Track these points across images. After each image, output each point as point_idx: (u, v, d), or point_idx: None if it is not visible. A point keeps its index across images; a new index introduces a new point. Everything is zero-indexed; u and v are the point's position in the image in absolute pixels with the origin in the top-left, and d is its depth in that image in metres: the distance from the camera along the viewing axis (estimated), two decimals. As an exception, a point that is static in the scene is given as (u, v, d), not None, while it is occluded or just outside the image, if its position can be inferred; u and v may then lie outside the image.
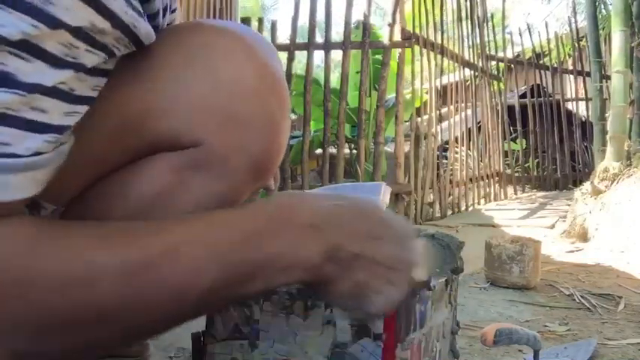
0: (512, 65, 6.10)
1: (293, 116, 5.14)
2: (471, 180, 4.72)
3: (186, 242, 0.43)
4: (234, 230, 0.45)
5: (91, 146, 0.46)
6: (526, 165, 6.09)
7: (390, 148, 4.24)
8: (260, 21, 3.88)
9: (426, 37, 4.02)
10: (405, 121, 4.07)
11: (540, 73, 6.12)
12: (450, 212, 4.26)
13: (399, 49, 3.67)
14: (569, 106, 6.34)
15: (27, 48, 0.35)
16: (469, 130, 4.99)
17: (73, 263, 0.39)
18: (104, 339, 0.42)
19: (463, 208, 4.50)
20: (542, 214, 4.13)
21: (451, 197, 4.38)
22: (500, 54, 5.82)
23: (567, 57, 6.50)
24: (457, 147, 4.74)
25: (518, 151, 5.96)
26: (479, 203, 4.80)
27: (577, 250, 2.65)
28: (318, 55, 3.59)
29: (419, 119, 4.07)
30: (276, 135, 0.51)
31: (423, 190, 3.89)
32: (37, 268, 0.38)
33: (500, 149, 5.40)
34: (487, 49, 5.47)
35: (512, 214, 4.05)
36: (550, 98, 6.03)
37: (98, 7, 0.38)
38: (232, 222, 0.46)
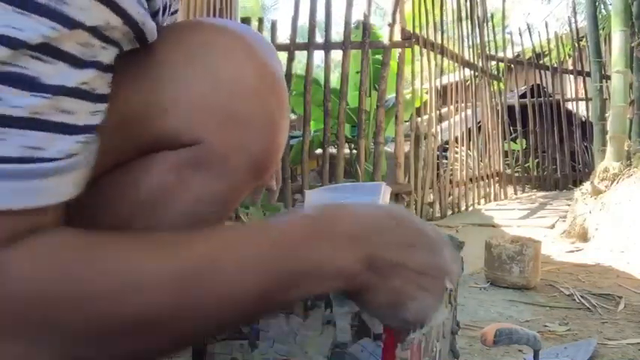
0: (512, 65, 6.10)
1: (293, 116, 5.15)
2: (471, 180, 4.72)
3: (232, 251, 0.44)
4: (278, 240, 0.46)
5: None
6: (526, 165, 6.09)
7: (390, 148, 4.24)
8: (260, 21, 3.89)
9: (426, 37, 4.02)
10: (405, 121, 4.07)
11: (540, 73, 6.12)
12: (450, 212, 4.26)
13: (399, 49, 3.67)
14: (569, 106, 6.34)
15: (47, 51, 0.35)
16: (469, 130, 4.99)
17: (124, 273, 0.39)
18: (153, 347, 0.42)
19: (463, 208, 4.50)
20: (542, 214, 4.13)
21: (451, 197, 4.38)
22: (500, 54, 5.82)
23: (567, 57, 6.50)
24: (457, 147, 4.74)
25: (518, 151, 5.96)
26: (479, 203, 4.80)
27: (577, 250, 2.65)
28: (318, 55, 3.60)
29: (419, 119, 4.07)
30: (276, 134, 0.51)
31: (423, 190, 3.89)
32: (91, 279, 0.38)
33: (500, 149, 5.40)
34: (487, 49, 5.47)
35: (512, 214, 4.05)
36: (550, 98, 6.03)
37: (112, 5, 0.38)
38: (276, 231, 0.47)
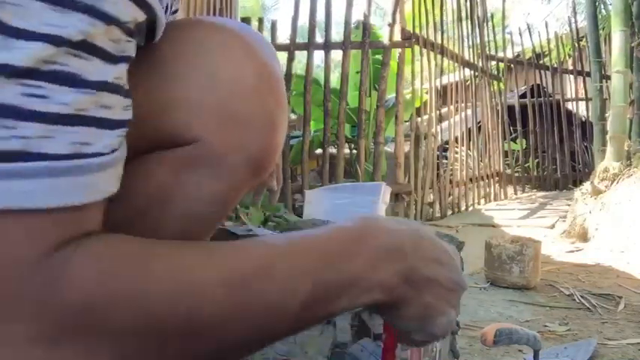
0: (512, 65, 6.11)
1: (293, 116, 5.15)
2: (471, 180, 4.72)
3: (280, 261, 0.44)
4: (323, 250, 0.47)
5: None
6: (526, 165, 6.09)
7: (390, 148, 4.24)
8: (260, 21, 3.89)
9: (426, 37, 4.03)
10: (405, 121, 4.07)
11: (540, 73, 6.12)
12: (450, 212, 4.26)
13: (399, 49, 3.67)
14: (569, 106, 6.35)
15: (85, 47, 0.35)
16: (469, 130, 4.99)
17: (178, 277, 0.40)
18: (201, 352, 0.42)
19: (463, 208, 4.50)
20: (542, 214, 4.13)
21: (451, 197, 4.38)
22: (500, 54, 5.82)
23: (567, 57, 6.50)
24: (457, 147, 4.74)
25: (518, 151, 5.96)
26: (479, 203, 4.80)
27: (577, 250, 2.66)
28: (318, 55, 3.60)
29: (419, 119, 4.07)
30: (275, 134, 0.51)
31: (423, 190, 3.89)
32: (147, 282, 0.39)
33: (500, 149, 5.40)
34: (487, 49, 5.47)
35: (512, 214, 4.05)
36: (550, 98, 6.03)
37: (139, 1, 0.39)
38: (320, 242, 0.48)
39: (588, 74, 4.99)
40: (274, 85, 0.52)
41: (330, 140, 3.57)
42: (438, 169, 4.31)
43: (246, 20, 3.90)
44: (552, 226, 3.46)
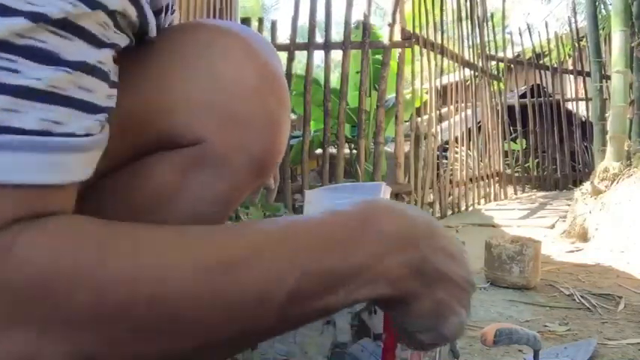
0: (512, 65, 6.11)
1: (293, 116, 5.15)
2: (471, 180, 4.72)
3: (265, 248, 0.41)
4: (317, 238, 0.43)
5: None
6: (526, 165, 6.09)
7: (390, 148, 4.24)
8: (260, 21, 3.88)
9: (426, 37, 4.03)
10: (405, 121, 4.07)
11: (540, 73, 6.12)
12: (450, 212, 4.26)
13: (399, 49, 3.67)
14: (569, 106, 6.34)
15: (67, 26, 0.35)
16: (469, 130, 4.99)
17: (142, 260, 0.37)
18: (177, 346, 0.39)
19: (463, 208, 4.50)
20: (542, 214, 4.13)
21: (451, 197, 4.38)
22: (500, 54, 5.82)
23: (567, 57, 6.50)
24: (457, 147, 4.74)
25: (518, 151, 5.96)
26: (479, 203, 4.80)
27: (577, 250, 2.66)
28: (318, 55, 3.60)
29: (419, 119, 4.07)
30: (277, 134, 0.51)
31: (423, 190, 3.89)
32: (106, 264, 0.36)
33: (500, 149, 5.40)
34: (487, 49, 5.47)
35: (512, 214, 4.05)
36: (550, 98, 6.03)
37: None
38: (314, 228, 0.44)
39: (588, 74, 4.99)
40: (276, 86, 0.52)
41: (330, 140, 3.57)
42: (438, 169, 4.31)
43: (246, 20, 3.90)
44: (552, 226, 3.46)
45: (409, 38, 3.73)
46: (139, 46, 0.46)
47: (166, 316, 0.37)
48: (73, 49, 0.36)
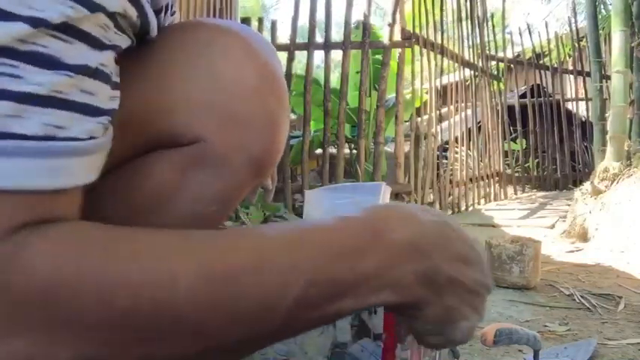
0: (512, 65, 6.11)
1: (293, 116, 5.15)
2: (471, 180, 4.72)
3: (271, 255, 0.41)
4: (324, 244, 0.42)
5: None
6: (526, 165, 6.09)
7: (390, 148, 4.24)
8: (260, 21, 3.88)
9: (426, 37, 4.03)
10: (405, 121, 4.07)
11: (540, 73, 6.12)
12: (450, 212, 4.26)
13: (399, 49, 3.67)
14: (569, 106, 6.34)
15: (68, 30, 0.35)
16: (469, 130, 4.99)
17: (148, 266, 0.37)
18: (180, 351, 0.39)
19: (463, 208, 4.50)
20: (542, 214, 4.13)
21: (451, 197, 4.38)
22: (500, 54, 5.82)
23: (567, 57, 6.50)
24: (457, 147, 4.74)
25: (518, 151, 5.96)
26: (479, 203, 4.80)
27: (577, 250, 2.65)
28: (318, 55, 3.60)
29: (419, 119, 4.07)
30: (276, 134, 0.51)
31: (423, 190, 3.89)
32: (110, 270, 0.36)
33: (500, 149, 5.40)
34: (487, 49, 5.47)
35: (512, 214, 4.05)
36: (550, 98, 6.03)
37: None
38: (322, 235, 0.43)
39: (588, 74, 4.99)
40: (275, 86, 0.52)
41: (330, 140, 3.57)
42: (438, 169, 4.31)
43: (246, 20, 3.90)
44: (552, 226, 3.46)
45: (409, 38, 3.73)
46: (139, 46, 0.46)
47: (169, 322, 0.37)
48: (74, 52, 0.35)
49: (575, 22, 6.29)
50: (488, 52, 5.48)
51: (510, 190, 5.53)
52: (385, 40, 3.67)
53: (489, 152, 5.23)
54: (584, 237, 2.88)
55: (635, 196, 2.69)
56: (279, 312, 0.40)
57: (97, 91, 0.38)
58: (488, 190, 5.06)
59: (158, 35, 0.47)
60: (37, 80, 0.34)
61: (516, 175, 5.78)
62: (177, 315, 0.37)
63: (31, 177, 0.34)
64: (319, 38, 3.57)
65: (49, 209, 0.36)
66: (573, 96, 6.54)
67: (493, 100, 5.44)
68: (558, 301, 1.69)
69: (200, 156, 0.48)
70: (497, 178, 5.29)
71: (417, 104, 4.08)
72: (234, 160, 0.49)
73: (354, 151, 4.09)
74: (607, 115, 3.42)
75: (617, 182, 2.91)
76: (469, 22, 5.00)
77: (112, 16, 0.38)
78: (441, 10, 4.46)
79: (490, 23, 5.69)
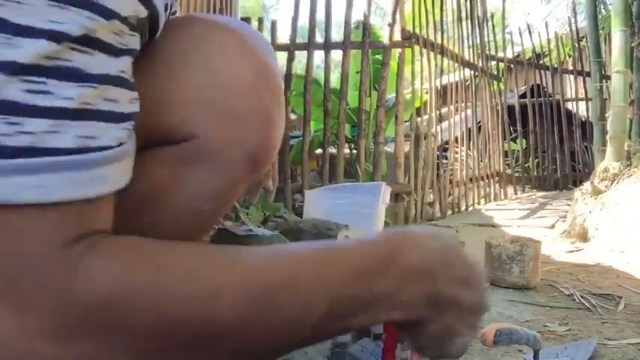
0: (512, 65, 6.11)
1: (293, 116, 5.15)
2: (471, 180, 4.72)
3: (303, 274, 0.44)
4: (347, 266, 0.46)
5: None
6: (526, 165, 6.09)
7: (390, 148, 4.24)
8: (260, 21, 3.88)
9: (426, 37, 4.03)
10: (405, 121, 4.07)
11: (540, 73, 6.12)
12: (450, 212, 4.26)
13: (399, 49, 3.67)
14: (569, 106, 6.34)
15: (87, 42, 0.36)
16: (469, 130, 4.99)
17: (196, 280, 0.40)
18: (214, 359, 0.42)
19: (463, 208, 4.50)
20: (542, 214, 4.13)
21: (451, 197, 4.38)
22: (500, 54, 5.82)
23: (567, 57, 6.50)
24: (457, 147, 4.74)
25: (518, 151, 5.96)
26: (479, 203, 4.80)
27: (577, 250, 2.65)
28: (318, 55, 3.59)
29: (419, 119, 4.07)
30: (272, 130, 0.52)
31: (423, 190, 3.89)
32: (164, 284, 0.38)
33: (500, 149, 5.40)
34: (487, 49, 5.47)
35: (512, 214, 4.05)
36: (550, 98, 6.03)
37: None
38: (345, 257, 0.47)
39: (588, 74, 4.99)
40: (271, 82, 0.52)
41: (330, 140, 3.57)
42: (438, 169, 4.31)
43: (246, 20, 3.89)
44: (552, 226, 3.46)
45: (409, 38, 3.73)
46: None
47: (213, 333, 0.40)
48: (96, 63, 0.36)
49: (575, 22, 6.29)
50: (488, 52, 5.48)
51: (510, 190, 5.53)
52: (385, 40, 3.67)
53: (489, 152, 5.23)
54: (584, 237, 2.88)
55: (635, 196, 2.69)
56: (305, 326, 0.43)
57: (119, 98, 0.39)
58: (488, 190, 5.06)
59: None
60: (66, 94, 0.35)
61: (516, 175, 5.78)
62: (220, 326, 0.40)
63: (72, 189, 0.36)
64: (319, 38, 3.57)
65: (91, 218, 0.38)
66: (573, 96, 6.54)
67: (493, 100, 5.44)
68: (558, 301, 1.68)
69: (195, 152, 0.48)
70: (497, 178, 5.29)
71: (417, 104, 4.08)
72: (230, 155, 0.49)
73: (354, 151, 4.09)
74: (607, 115, 3.41)
75: (617, 182, 2.90)
76: (469, 22, 5.00)
77: (125, 20, 0.38)
78: (441, 10, 4.46)
79: (490, 23, 5.69)
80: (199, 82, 0.48)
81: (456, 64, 4.70)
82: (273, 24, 3.57)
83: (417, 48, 3.89)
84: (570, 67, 6.35)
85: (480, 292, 0.51)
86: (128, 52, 0.40)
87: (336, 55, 3.66)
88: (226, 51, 0.49)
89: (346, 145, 4.06)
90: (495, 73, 5.75)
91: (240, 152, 0.50)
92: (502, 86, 5.77)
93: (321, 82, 3.66)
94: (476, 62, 5.09)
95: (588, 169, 5.30)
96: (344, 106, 3.53)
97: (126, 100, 0.40)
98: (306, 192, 2.59)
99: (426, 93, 4.21)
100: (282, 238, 1.34)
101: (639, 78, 3.19)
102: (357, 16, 3.96)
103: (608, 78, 4.04)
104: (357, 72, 3.73)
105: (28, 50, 0.33)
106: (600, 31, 4.26)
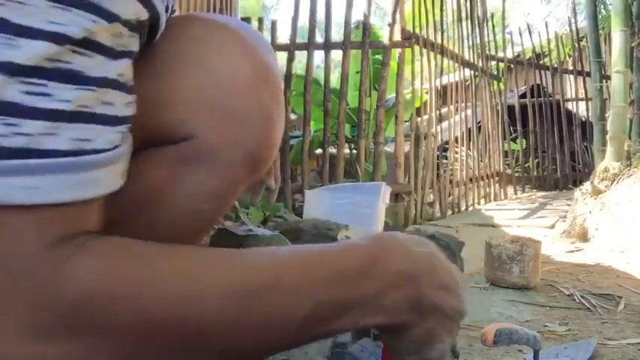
0: (512, 65, 6.11)
1: (293, 116, 5.15)
2: (471, 180, 4.72)
3: (287, 275, 0.44)
4: (333, 269, 0.46)
5: None
6: (526, 165, 6.09)
7: (390, 148, 4.24)
8: (260, 21, 3.88)
9: (426, 37, 4.02)
10: (405, 121, 4.07)
11: (540, 73, 6.12)
12: (450, 212, 4.26)
13: (399, 49, 3.67)
14: (569, 106, 6.34)
15: (87, 44, 0.36)
16: (469, 130, 4.99)
17: (181, 281, 0.40)
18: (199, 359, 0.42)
19: (463, 208, 4.50)
20: (542, 214, 4.13)
21: (451, 197, 4.38)
22: (500, 54, 5.82)
23: (567, 57, 6.50)
24: (457, 147, 4.74)
25: (518, 151, 5.96)
26: (479, 203, 4.80)
27: (577, 250, 2.65)
28: (318, 55, 3.60)
29: (419, 119, 4.07)
30: (271, 130, 0.52)
31: (423, 190, 3.89)
32: (150, 284, 0.39)
33: (500, 149, 5.40)
34: (487, 49, 5.47)
35: (512, 214, 4.05)
36: (550, 98, 6.03)
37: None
38: (330, 260, 0.47)
39: (588, 74, 4.99)
40: (271, 82, 0.52)
41: (330, 140, 3.57)
42: (438, 169, 4.31)
43: (246, 20, 3.89)
44: (552, 226, 3.46)
45: (409, 38, 3.73)
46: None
47: (195, 334, 0.40)
48: (95, 65, 0.37)
49: (575, 22, 6.29)
50: (488, 52, 5.48)
51: (510, 190, 5.53)
52: (385, 40, 3.67)
53: (489, 152, 5.23)
54: (584, 237, 2.88)
55: (635, 196, 2.69)
56: (290, 328, 0.44)
57: (116, 101, 0.39)
58: (488, 190, 5.06)
59: None
60: (64, 97, 0.35)
61: (516, 175, 5.78)
62: (203, 329, 0.40)
63: (65, 191, 0.36)
64: (319, 38, 3.57)
65: (82, 220, 0.38)
66: (573, 96, 6.54)
67: (493, 100, 5.44)
68: (558, 301, 1.68)
69: (195, 152, 0.48)
70: (497, 178, 5.29)
71: (417, 104, 4.08)
72: (229, 155, 0.49)
73: (354, 151, 4.09)
74: (607, 115, 3.41)
75: (617, 182, 2.90)
76: (469, 22, 4.99)
77: (126, 23, 0.38)
78: (441, 10, 4.46)
79: (490, 23, 5.69)
80: (199, 81, 0.48)
81: (456, 64, 4.70)
82: (273, 24, 3.57)
83: (417, 48, 3.89)
84: (570, 67, 6.36)
85: (459, 298, 0.52)
86: (127, 55, 0.40)
87: (336, 55, 3.67)
88: (226, 51, 0.49)
89: (346, 145, 4.07)
90: (495, 73, 5.75)
91: (239, 152, 0.50)
92: (502, 86, 5.77)
93: (321, 82, 3.66)
94: (476, 62, 5.09)
95: (588, 169, 5.30)
96: (344, 106, 3.53)
97: (122, 104, 0.40)
98: (306, 192, 2.59)
99: (426, 93, 4.21)
100: (282, 238, 1.34)
101: (639, 78, 3.19)
102: (357, 16, 3.97)
103: (608, 78, 4.04)
104: (357, 72, 3.73)
105: (28, 51, 0.33)
106: (600, 31, 4.26)
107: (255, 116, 0.50)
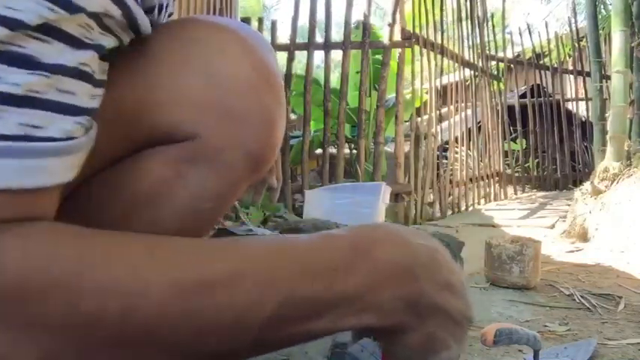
0: (512, 65, 6.11)
1: (293, 116, 5.15)
2: (471, 180, 4.72)
3: (248, 271, 0.40)
4: (303, 263, 0.41)
5: None
6: (526, 165, 6.10)
7: (390, 148, 4.24)
8: (260, 21, 3.89)
9: (426, 37, 4.03)
10: (405, 121, 4.07)
11: (540, 73, 6.12)
12: (450, 212, 4.26)
13: (399, 49, 3.67)
14: (569, 106, 6.35)
15: (47, 31, 0.35)
16: (469, 130, 4.99)
17: (122, 270, 0.37)
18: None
19: (463, 208, 4.50)
20: (542, 214, 4.13)
21: (451, 197, 4.38)
22: (500, 54, 5.82)
23: (567, 57, 6.50)
24: (457, 147, 4.74)
25: (518, 151, 5.96)
26: (479, 203, 4.80)
27: (577, 250, 2.65)
28: (318, 55, 3.60)
29: (419, 119, 4.07)
30: (272, 130, 0.51)
31: (423, 190, 3.89)
32: (79, 273, 0.36)
33: (500, 149, 5.40)
34: (487, 49, 5.47)
35: (512, 214, 4.05)
36: (550, 98, 6.03)
37: None
38: (303, 253, 0.43)
39: (588, 74, 4.99)
40: (272, 82, 0.52)
41: (330, 140, 3.57)
42: (438, 169, 4.31)
43: (246, 20, 3.90)
44: (552, 226, 3.46)
45: (409, 38, 3.73)
46: (135, 43, 0.45)
47: (137, 331, 0.37)
48: (53, 52, 0.35)
49: (575, 22, 6.29)
50: (488, 52, 5.48)
51: (510, 190, 5.53)
52: (385, 40, 3.67)
53: (489, 152, 5.23)
54: (584, 237, 2.88)
55: (635, 196, 2.69)
56: (251, 328, 0.39)
57: (76, 91, 0.37)
58: (488, 190, 5.06)
59: (154, 32, 0.47)
60: (13, 80, 0.34)
61: (516, 175, 5.78)
62: (146, 324, 0.37)
63: (7, 177, 0.34)
64: (319, 38, 3.57)
65: (24, 208, 0.36)
66: (573, 96, 6.54)
67: (493, 100, 5.44)
68: (558, 301, 1.68)
69: (196, 152, 0.48)
70: (497, 178, 5.29)
71: (417, 104, 4.08)
72: (230, 155, 0.49)
73: (354, 151, 4.09)
74: (607, 115, 3.41)
75: (617, 182, 2.90)
76: (469, 22, 5.00)
77: (94, 16, 0.37)
78: (441, 10, 4.46)
79: (490, 23, 5.69)
80: (200, 82, 0.48)
81: (456, 64, 4.71)
82: (273, 24, 3.57)
83: (417, 48, 3.89)
84: (570, 67, 6.36)
85: (466, 301, 0.46)
86: (93, 48, 0.38)
87: (336, 55, 3.67)
88: (227, 51, 0.49)
89: (346, 145, 4.07)
90: (495, 73, 5.75)
91: (240, 152, 0.49)
92: (502, 86, 5.77)
93: (321, 82, 3.66)
94: (476, 62, 5.09)
95: (588, 169, 5.30)
96: (344, 106, 3.53)
97: (85, 94, 0.38)
98: (306, 192, 2.59)
99: (426, 93, 4.21)
100: (282, 238, 1.34)
101: (639, 78, 3.19)
102: (357, 16, 3.97)
103: (608, 78, 4.04)
104: (357, 72, 3.73)
105: None
106: (600, 31, 4.26)
107: (256, 116, 0.50)
